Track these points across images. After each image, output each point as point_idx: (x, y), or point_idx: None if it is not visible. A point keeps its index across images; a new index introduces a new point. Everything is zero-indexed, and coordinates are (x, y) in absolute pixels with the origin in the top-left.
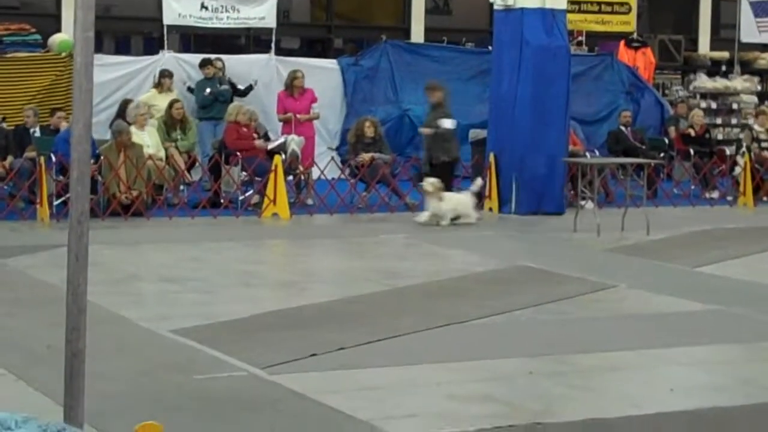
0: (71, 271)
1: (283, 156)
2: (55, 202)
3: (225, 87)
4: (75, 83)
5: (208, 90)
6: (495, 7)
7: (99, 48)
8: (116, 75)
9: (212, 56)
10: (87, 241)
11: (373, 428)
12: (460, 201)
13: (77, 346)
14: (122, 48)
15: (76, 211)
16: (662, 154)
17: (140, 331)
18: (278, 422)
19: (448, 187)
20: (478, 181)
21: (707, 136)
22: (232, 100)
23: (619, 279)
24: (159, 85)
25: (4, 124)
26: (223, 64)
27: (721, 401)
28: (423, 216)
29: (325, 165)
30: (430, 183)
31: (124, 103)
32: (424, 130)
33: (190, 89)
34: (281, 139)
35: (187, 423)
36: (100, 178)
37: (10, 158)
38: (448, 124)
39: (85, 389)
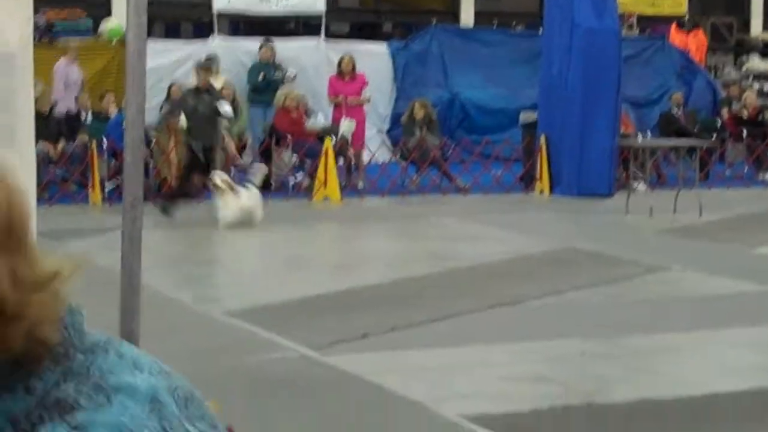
0: (125, 254)
1: (334, 139)
2: (107, 187)
3: (278, 72)
4: (128, 67)
5: (261, 74)
6: None
7: (149, 33)
8: (167, 60)
9: (263, 38)
10: (141, 224)
11: (425, 408)
12: (252, 195)
13: (131, 326)
14: (172, 33)
15: (130, 194)
16: (714, 136)
17: (192, 313)
18: (330, 402)
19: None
20: (261, 169)
21: (760, 117)
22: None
23: (671, 261)
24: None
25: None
26: (274, 49)
27: None
28: (228, 216)
29: (376, 148)
30: (222, 179)
31: (171, 87)
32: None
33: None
34: (322, 120)
35: (239, 404)
36: (151, 162)
37: (62, 143)
38: (227, 107)
39: None
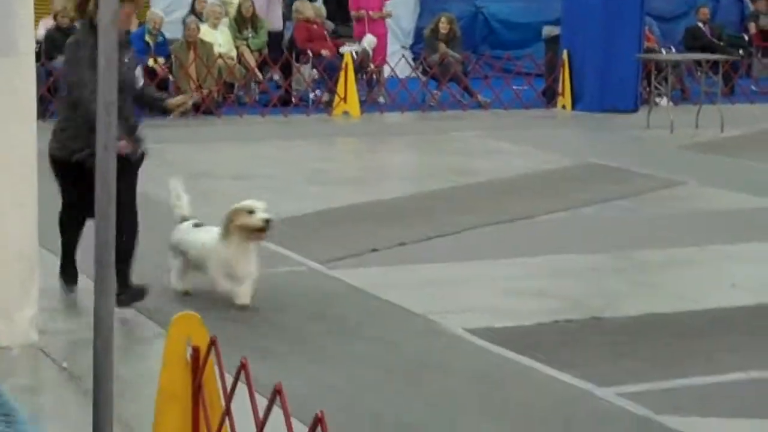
0: (100, 160)
1: (354, 54)
2: None
3: None
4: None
5: None
6: None
7: None
8: None
9: None
10: (114, 131)
11: (428, 321)
12: None
13: (106, 236)
14: None
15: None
16: (741, 51)
17: None
18: (333, 315)
19: None
20: None
21: None
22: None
23: (689, 176)
24: None
25: None
26: None
27: None
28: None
29: (396, 63)
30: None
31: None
32: None
33: None
34: (354, 46)
35: (243, 314)
36: (170, 77)
37: None
38: None
39: (113, 282)
